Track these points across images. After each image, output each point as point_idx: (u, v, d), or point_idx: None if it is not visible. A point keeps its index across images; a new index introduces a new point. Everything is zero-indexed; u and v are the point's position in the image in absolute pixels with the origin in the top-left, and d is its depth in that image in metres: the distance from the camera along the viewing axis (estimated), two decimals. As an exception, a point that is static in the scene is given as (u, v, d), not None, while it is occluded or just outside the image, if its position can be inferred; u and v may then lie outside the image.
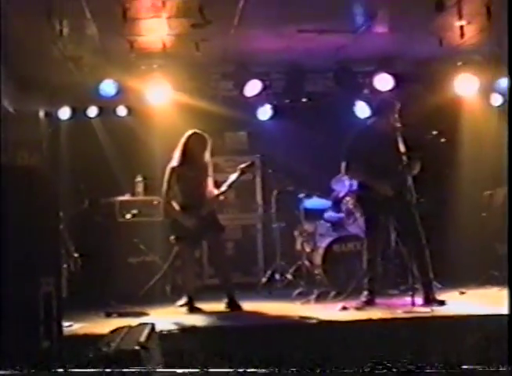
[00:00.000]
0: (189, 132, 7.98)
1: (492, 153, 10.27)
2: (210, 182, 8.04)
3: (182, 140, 7.96)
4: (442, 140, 8.30)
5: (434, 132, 8.17)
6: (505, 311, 6.87)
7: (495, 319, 6.58)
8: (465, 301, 8.01)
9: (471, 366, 4.33)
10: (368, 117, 8.01)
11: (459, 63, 10.00)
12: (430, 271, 7.68)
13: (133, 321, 5.66)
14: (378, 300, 7.71)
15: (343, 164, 7.82)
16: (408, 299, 7.50)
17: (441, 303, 7.47)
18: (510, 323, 5.13)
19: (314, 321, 6.90)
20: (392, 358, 5.82)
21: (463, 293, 8.51)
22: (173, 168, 7.91)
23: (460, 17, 8.04)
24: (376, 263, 7.75)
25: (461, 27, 8.34)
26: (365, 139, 7.80)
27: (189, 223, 7.76)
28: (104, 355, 3.50)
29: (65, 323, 6.45)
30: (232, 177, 8.05)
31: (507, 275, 6.27)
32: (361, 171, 7.76)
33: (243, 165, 8.16)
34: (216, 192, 8.01)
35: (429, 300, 7.50)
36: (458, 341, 6.22)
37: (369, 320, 6.78)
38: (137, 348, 3.59)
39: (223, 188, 8.03)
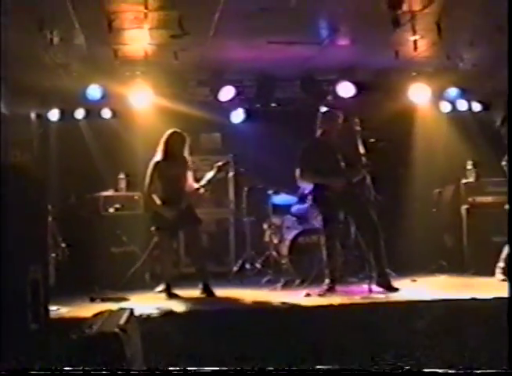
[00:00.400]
0: (170, 131, 7.99)
1: (442, 154, 10.39)
2: (189, 177, 8.03)
3: (164, 138, 7.95)
4: (381, 144, 8.34)
5: (372, 140, 8.22)
6: (450, 296, 7.01)
7: (444, 304, 6.66)
8: (416, 288, 8.07)
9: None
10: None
11: (413, 74, 10.05)
12: (385, 260, 7.72)
13: (115, 306, 5.64)
14: (338, 287, 7.74)
15: (297, 171, 7.88)
16: (365, 286, 7.53)
17: (395, 290, 7.51)
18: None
19: (280, 306, 6.93)
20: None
21: (414, 280, 8.58)
22: (156, 163, 7.88)
23: (414, 32, 8.11)
24: (335, 254, 7.77)
25: (415, 42, 8.41)
26: (315, 149, 7.96)
27: (169, 215, 7.74)
28: (86, 336, 3.49)
29: (53, 307, 6.47)
30: (210, 174, 8.05)
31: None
32: (314, 175, 7.81)
33: (219, 163, 8.17)
34: (196, 186, 8.00)
35: (384, 287, 7.53)
36: (410, 325, 6.28)
37: (330, 305, 6.81)
38: (117, 330, 3.58)
39: (202, 182, 8.03)
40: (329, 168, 7.75)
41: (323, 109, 8.71)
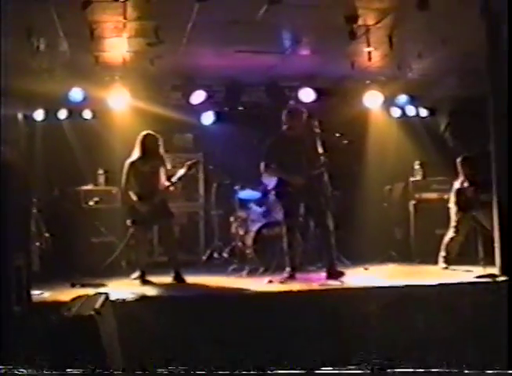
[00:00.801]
0: (144, 133, 7.91)
1: (392, 155, 10.44)
2: (162, 175, 7.96)
3: (139, 139, 7.87)
4: (345, 142, 8.34)
5: (338, 134, 8.23)
6: (399, 283, 7.06)
7: (393, 289, 6.71)
8: (368, 276, 8.11)
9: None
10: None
11: (367, 82, 10.09)
12: (334, 251, 7.70)
13: (93, 291, 5.59)
14: (298, 275, 7.68)
15: (262, 164, 7.83)
16: (323, 274, 7.54)
17: (341, 274, 7.46)
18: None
19: (245, 292, 6.92)
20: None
21: (366, 269, 8.59)
22: (131, 163, 7.81)
23: (368, 45, 8.14)
24: (295, 245, 7.73)
25: (369, 53, 8.45)
26: (280, 143, 7.83)
27: (144, 209, 7.68)
28: (65, 318, 3.46)
29: (36, 292, 6.42)
30: (181, 172, 7.99)
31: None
32: (277, 170, 7.75)
33: (189, 162, 8.11)
34: (167, 184, 7.95)
35: (331, 274, 7.47)
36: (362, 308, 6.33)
37: (290, 291, 6.82)
38: (92, 313, 3.55)
39: (173, 179, 7.97)
40: (292, 163, 7.63)
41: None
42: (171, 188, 7.99)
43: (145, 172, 7.80)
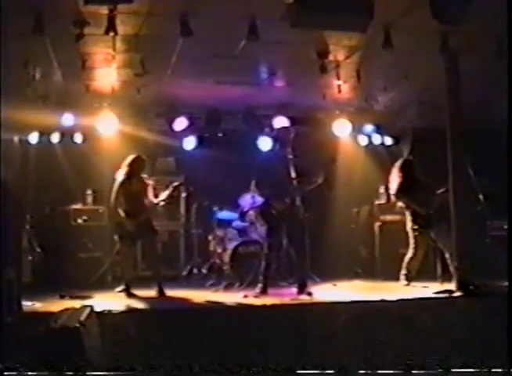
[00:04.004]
0: (133, 155, 7.95)
1: (359, 180, 10.48)
2: (150, 193, 7.94)
3: (128, 161, 7.88)
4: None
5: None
6: (364, 298, 7.08)
7: (359, 304, 6.72)
8: (336, 291, 8.11)
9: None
10: (271, 150, 7.98)
11: (337, 112, 10.13)
12: (307, 270, 7.68)
13: (81, 303, 5.55)
14: (271, 290, 7.62)
15: (253, 182, 7.80)
16: (294, 290, 7.53)
17: (310, 294, 7.41)
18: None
19: (221, 305, 6.90)
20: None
21: (335, 285, 8.60)
22: (121, 182, 7.79)
23: (338, 78, 8.23)
24: (271, 262, 7.67)
25: (339, 86, 8.54)
26: (268, 165, 7.77)
27: (130, 226, 7.64)
28: (52, 329, 3.43)
29: (28, 303, 6.37)
30: (167, 192, 7.97)
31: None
32: (266, 189, 7.71)
33: (175, 183, 8.11)
34: (155, 201, 7.92)
35: (302, 291, 7.43)
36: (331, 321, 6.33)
37: (264, 305, 6.81)
38: (77, 325, 3.53)
39: (161, 198, 7.94)
40: (278, 186, 7.50)
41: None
42: (161, 203, 7.97)
43: (133, 191, 7.78)
